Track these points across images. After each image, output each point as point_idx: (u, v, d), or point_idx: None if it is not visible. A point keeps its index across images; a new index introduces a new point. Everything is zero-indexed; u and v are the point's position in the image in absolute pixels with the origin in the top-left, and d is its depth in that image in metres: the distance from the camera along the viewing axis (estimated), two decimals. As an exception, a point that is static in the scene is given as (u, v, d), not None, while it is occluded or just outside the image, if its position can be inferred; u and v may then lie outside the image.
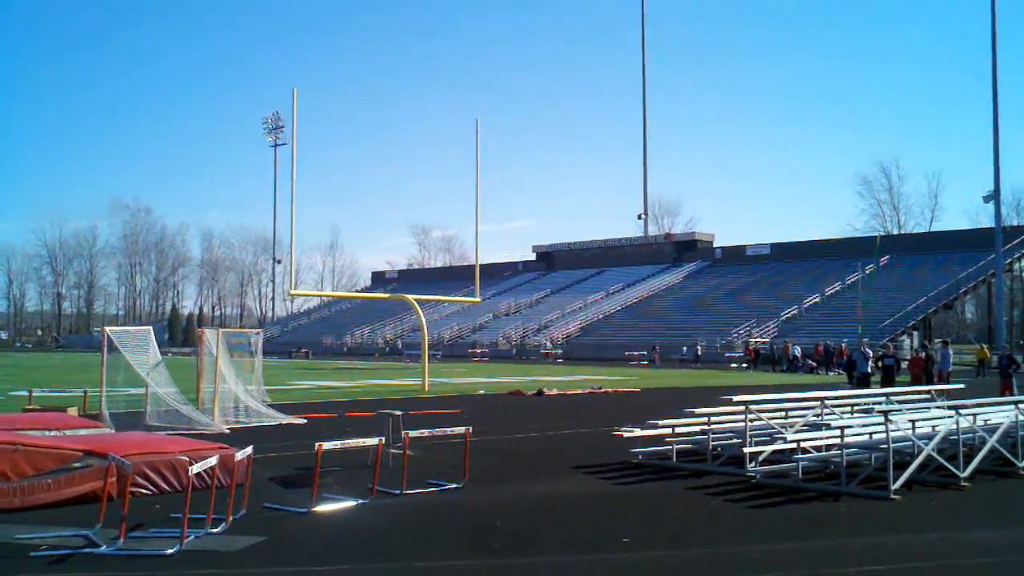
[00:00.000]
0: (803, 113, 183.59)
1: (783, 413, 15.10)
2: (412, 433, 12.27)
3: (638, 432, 14.63)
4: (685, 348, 66.42)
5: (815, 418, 14.90)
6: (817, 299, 73.18)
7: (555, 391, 31.92)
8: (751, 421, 13.50)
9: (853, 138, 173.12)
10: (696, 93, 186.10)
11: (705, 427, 14.22)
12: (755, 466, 12.96)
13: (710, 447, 13.93)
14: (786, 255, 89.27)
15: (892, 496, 11.11)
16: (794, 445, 12.71)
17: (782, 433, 13.74)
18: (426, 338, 39.46)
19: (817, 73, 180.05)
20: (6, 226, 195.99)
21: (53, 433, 13.67)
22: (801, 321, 69.93)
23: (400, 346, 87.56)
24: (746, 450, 12.97)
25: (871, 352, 28.14)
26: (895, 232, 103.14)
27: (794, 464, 12.57)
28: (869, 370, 27.99)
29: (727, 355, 62.95)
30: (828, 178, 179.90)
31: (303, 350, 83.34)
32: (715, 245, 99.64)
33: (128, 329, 20.58)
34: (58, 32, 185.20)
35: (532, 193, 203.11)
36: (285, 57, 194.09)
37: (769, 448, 13.30)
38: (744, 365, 57.47)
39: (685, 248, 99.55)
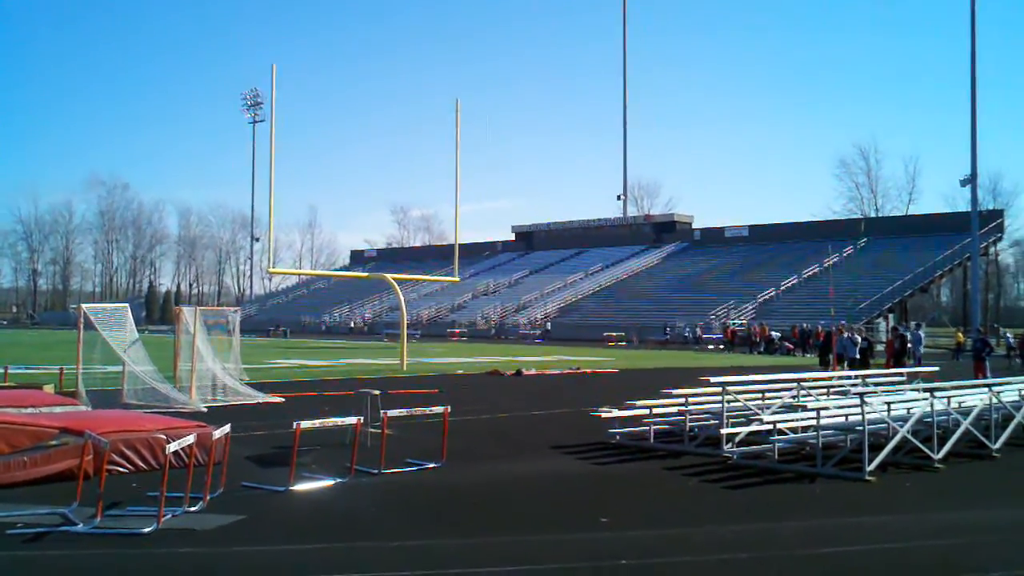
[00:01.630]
0: (782, 96, 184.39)
1: (760, 394, 15.19)
2: (391, 412, 12.27)
3: (616, 412, 14.68)
4: (670, 328, 66.84)
5: (792, 400, 15.00)
6: (795, 281, 73.56)
7: (533, 371, 31.99)
8: (728, 402, 13.57)
9: (832, 121, 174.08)
10: (676, 75, 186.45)
11: (683, 408, 14.29)
12: (732, 447, 13.04)
13: (687, 428, 14.00)
14: (764, 237, 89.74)
15: (867, 477, 11.22)
16: (771, 426, 12.78)
17: (759, 414, 13.84)
18: (404, 317, 39.40)
19: (796, 55, 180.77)
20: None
21: (29, 410, 13.57)
22: (779, 303, 70.31)
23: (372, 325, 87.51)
24: (723, 431, 13.04)
25: (859, 338, 28.17)
26: (872, 215, 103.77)
27: (770, 445, 12.65)
28: (858, 355, 28.05)
29: (704, 336, 63.16)
30: (806, 161, 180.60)
31: (281, 328, 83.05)
32: (694, 227, 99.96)
33: (105, 306, 20.45)
34: (33, 7, 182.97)
35: (512, 174, 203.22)
36: (264, 33, 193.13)
37: (746, 429, 13.38)
38: (721, 347, 57.67)
39: (664, 229, 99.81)
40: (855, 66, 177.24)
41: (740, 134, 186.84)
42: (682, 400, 14.43)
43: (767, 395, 15.31)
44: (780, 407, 14.56)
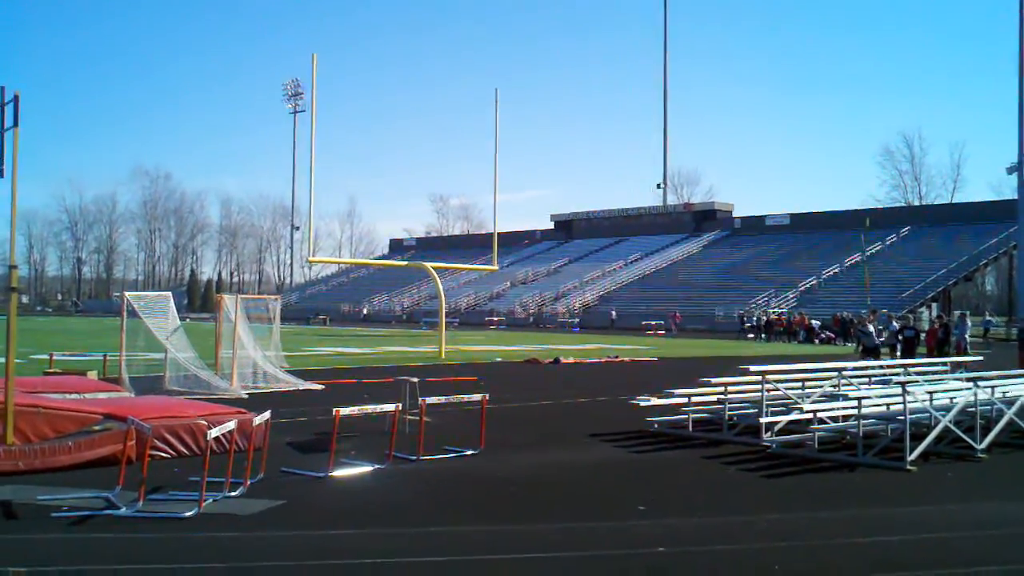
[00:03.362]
0: (825, 82, 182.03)
1: (800, 384, 15.08)
2: (429, 400, 12.32)
3: (654, 401, 14.64)
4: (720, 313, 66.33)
5: (832, 389, 14.87)
6: (836, 270, 72.86)
7: (571, 359, 31.97)
8: (768, 391, 13.48)
9: (875, 108, 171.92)
10: (717, 62, 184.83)
11: (721, 397, 14.22)
12: (771, 436, 12.96)
13: (726, 417, 13.93)
14: (805, 226, 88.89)
15: (908, 467, 11.10)
16: (810, 415, 12.69)
17: (799, 403, 13.73)
18: (443, 306, 39.50)
19: (840, 42, 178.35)
20: (27, 191, 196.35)
21: (73, 396, 13.80)
22: (820, 292, 69.72)
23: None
24: (762, 420, 12.95)
25: (872, 328, 27.73)
26: (916, 203, 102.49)
27: (810, 434, 12.56)
28: (877, 344, 27.60)
29: (745, 325, 62.76)
30: (849, 148, 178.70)
31: (321, 316, 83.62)
32: (734, 215, 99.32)
33: (147, 294, 20.72)
34: (77, 1, 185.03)
35: (551, 162, 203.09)
36: (305, 24, 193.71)
37: (785, 418, 13.29)
38: (763, 336, 57.15)
39: (704, 218, 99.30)
40: (900, 53, 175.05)
41: (782, 122, 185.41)
42: (721, 389, 14.35)
43: (807, 384, 15.19)
44: (820, 396, 14.44)
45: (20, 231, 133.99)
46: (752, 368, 13.80)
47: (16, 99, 10.42)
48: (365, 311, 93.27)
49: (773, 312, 62.08)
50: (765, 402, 13.28)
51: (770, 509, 9.21)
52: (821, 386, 15.14)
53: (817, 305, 63.96)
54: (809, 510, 9.22)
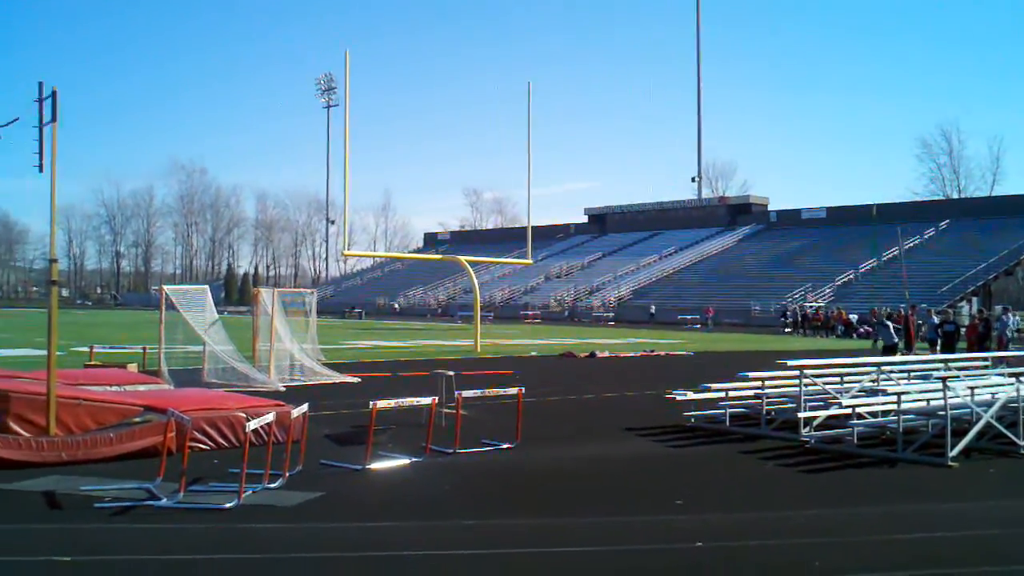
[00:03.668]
0: (861, 74, 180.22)
1: (839, 378, 14.95)
2: (465, 393, 12.35)
3: (691, 395, 14.58)
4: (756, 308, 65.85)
5: (871, 384, 14.73)
6: (874, 264, 72.13)
7: (607, 353, 31.91)
8: (806, 386, 13.37)
9: (913, 102, 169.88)
10: (752, 55, 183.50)
11: (759, 391, 14.13)
12: (809, 431, 12.86)
13: (764, 411, 13.85)
14: (842, 219, 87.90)
15: (949, 463, 10.97)
16: (849, 410, 12.57)
17: (837, 398, 13.60)
18: (478, 299, 39.58)
19: (876, 33, 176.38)
20: (66, 186, 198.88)
21: (114, 389, 13.97)
22: (857, 286, 69.07)
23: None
24: (800, 415, 12.85)
25: (890, 323, 27.28)
26: (955, 196, 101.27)
27: (849, 429, 12.45)
28: (895, 341, 27.11)
29: (780, 319, 62.28)
30: (887, 141, 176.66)
31: (356, 310, 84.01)
32: (770, 208, 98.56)
33: (185, 288, 20.87)
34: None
35: (585, 156, 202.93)
36: (338, 18, 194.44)
37: (824, 413, 13.16)
38: (802, 331, 56.58)
39: (739, 211, 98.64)
40: (937, 45, 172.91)
41: (818, 114, 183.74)
42: (758, 383, 14.26)
43: (845, 379, 15.06)
44: (859, 391, 14.31)
45: (59, 225, 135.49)
46: (790, 362, 13.70)
47: (54, 94, 10.54)
48: (399, 305, 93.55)
49: (810, 307, 61.56)
50: (803, 397, 13.18)
51: (809, 504, 9.15)
52: (860, 381, 14.99)
53: (854, 299, 63.37)
54: (849, 506, 9.13)
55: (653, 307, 72.55)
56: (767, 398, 14.01)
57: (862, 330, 52.71)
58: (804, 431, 12.79)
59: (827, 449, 12.14)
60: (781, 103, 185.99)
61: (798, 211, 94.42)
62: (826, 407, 13.39)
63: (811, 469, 10.91)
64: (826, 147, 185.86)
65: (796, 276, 73.74)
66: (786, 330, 57.60)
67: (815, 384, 14.00)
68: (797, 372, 13.37)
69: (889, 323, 27.14)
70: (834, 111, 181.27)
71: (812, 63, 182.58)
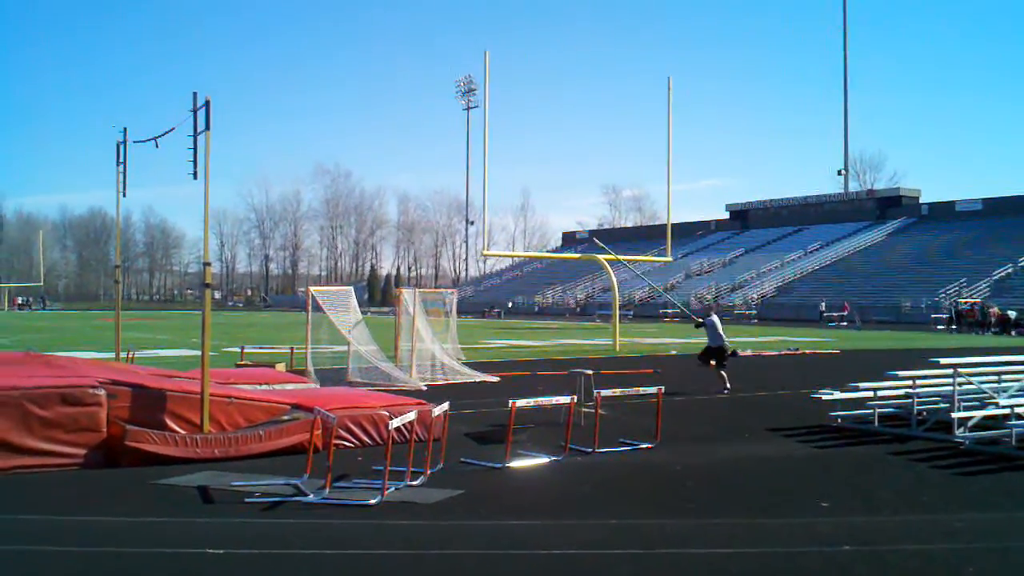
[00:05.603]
0: (1016, 56, 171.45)
1: (996, 376, 14.28)
2: (604, 392, 12.30)
3: (837, 395, 14.16)
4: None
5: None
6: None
7: (749, 352, 31.29)
8: (960, 384, 12.82)
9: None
10: (900, 41, 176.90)
11: (909, 391, 13.62)
12: (964, 432, 12.33)
13: (915, 411, 13.34)
14: (1000, 210, 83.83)
15: (1119, 467, 10.36)
16: (1008, 410, 12.00)
17: (994, 398, 13.00)
18: (617, 298, 39.40)
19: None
20: (218, 191, 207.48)
21: (263, 387, 14.45)
22: (1016, 280, 65.82)
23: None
24: (954, 415, 12.34)
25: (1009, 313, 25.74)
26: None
27: (1007, 430, 11.88)
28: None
29: (932, 316, 59.89)
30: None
31: (495, 309, 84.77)
32: (921, 201, 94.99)
33: (330, 289, 21.43)
34: (260, 8, 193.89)
35: (725, 151, 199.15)
36: (476, 18, 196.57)
37: (980, 413, 12.60)
38: (953, 328, 54.28)
39: (888, 204, 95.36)
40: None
41: (972, 101, 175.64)
42: (909, 382, 13.75)
43: (1004, 377, 14.37)
44: (1018, 390, 13.64)
45: (212, 230, 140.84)
46: (943, 360, 13.17)
47: (208, 104, 10.95)
48: (539, 304, 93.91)
49: (963, 303, 59.01)
50: (957, 396, 12.64)
51: (964, 508, 8.77)
52: (1020, 379, 14.29)
53: (1013, 294, 60.42)
54: (1007, 510, 8.72)
55: (823, 305, 69.61)
56: (918, 398, 13.50)
57: (1022, 327, 50.23)
58: (958, 432, 12.28)
59: (983, 451, 11.62)
60: (933, 91, 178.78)
61: (952, 203, 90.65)
62: (982, 407, 12.82)
63: (965, 472, 10.47)
64: (982, 136, 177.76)
65: (950, 271, 70.77)
66: (938, 327, 55.37)
67: (970, 383, 13.41)
68: (950, 371, 12.85)
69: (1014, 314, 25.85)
70: (990, 98, 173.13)
71: (965, 49, 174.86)
